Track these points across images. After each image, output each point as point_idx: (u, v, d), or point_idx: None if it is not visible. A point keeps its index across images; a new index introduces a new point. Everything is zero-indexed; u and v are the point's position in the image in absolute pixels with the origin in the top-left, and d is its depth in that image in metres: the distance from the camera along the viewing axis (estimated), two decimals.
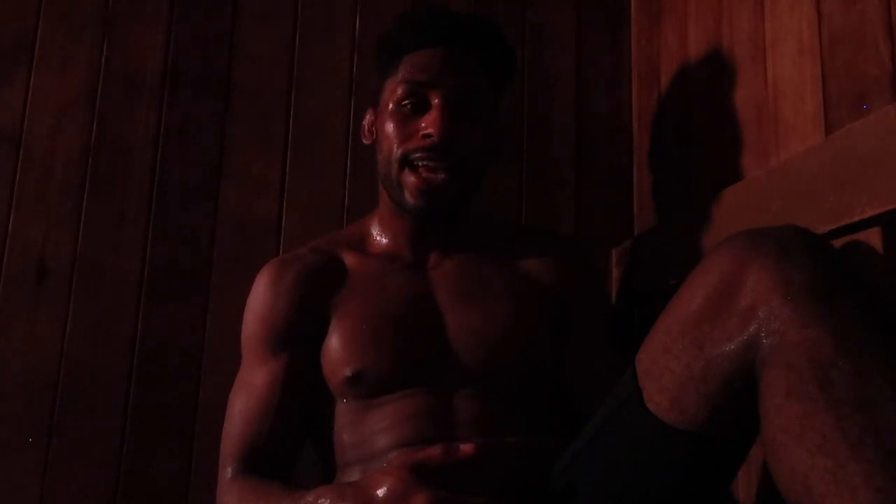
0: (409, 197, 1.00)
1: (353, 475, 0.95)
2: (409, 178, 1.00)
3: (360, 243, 1.09)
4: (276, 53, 1.38)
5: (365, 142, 1.12)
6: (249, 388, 0.99)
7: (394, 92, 1.02)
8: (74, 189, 1.28)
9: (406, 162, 1.00)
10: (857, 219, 0.80)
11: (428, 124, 0.99)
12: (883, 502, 0.59)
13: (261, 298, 1.04)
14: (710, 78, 1.21)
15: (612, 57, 1.49)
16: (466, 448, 0.76)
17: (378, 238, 1.08)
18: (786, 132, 1.02)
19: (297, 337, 1.01)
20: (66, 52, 1.32)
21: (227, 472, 0.96)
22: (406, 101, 1.01)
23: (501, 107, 1.11)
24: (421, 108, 1.01)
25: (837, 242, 0.84)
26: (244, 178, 1.33)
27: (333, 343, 0.99)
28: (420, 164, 0.99)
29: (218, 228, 1.31)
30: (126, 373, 1.24)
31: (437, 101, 0.99)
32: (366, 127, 1.12)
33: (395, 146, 1.01)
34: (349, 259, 1.06)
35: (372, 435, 0.95)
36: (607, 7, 1.50)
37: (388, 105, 1.03)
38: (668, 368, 0.75)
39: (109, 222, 1.28)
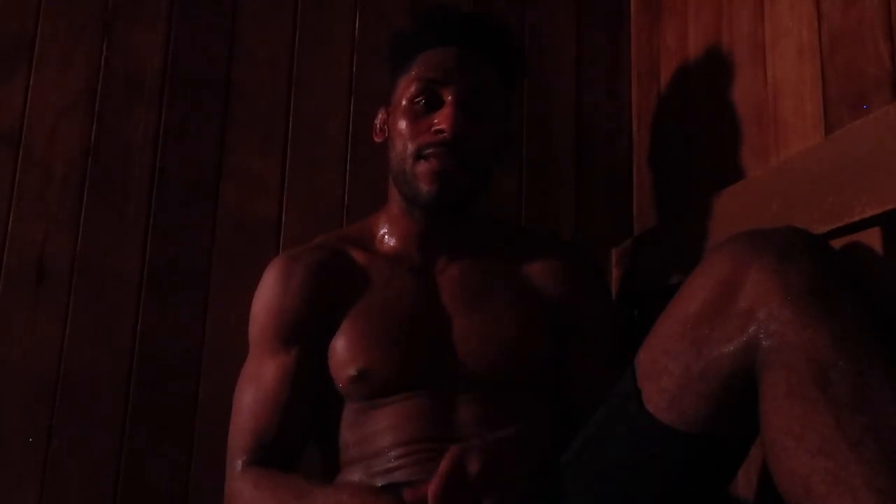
0: (423, 184, 1.00)
1: (355, 474, 0.96)
2: (423, 167, 1.00)
3: (368, 242, 1.09)
4: (276, 53, 1.38)
5: (376, 140, 1.12)
6: (258, 382, 1.00)
7: (407, 89, 1.03)
8: (74, 189, 1.28)
9: (420, 156, 1.01)
10: (856, 219, 0.80)
11: (440, 120, 0.99)
12: (884, 503, 0.59)
13: (271, 292, 1.04)
14: (710, 78, 1.21)
15: (611, 57, 1.49)
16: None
17: (385, 238, 1.09)
18: (786, 132, 1.02)
19: (305, 331, 1.01)
20: (66, 52, 1.32)
21: (236, 464, 0.97)
22: (419, 98, 1.02)
23: (511, 107, 1.12)
24: (434, 104, 1.02)
25: (837, 242, 0.84)
26: (244, 178, 1.33)
27: (340, 341, 0.99)
28: (433, 158, 1.00)
29: (218, 228, 1.31)
30: (126, 372, 1.24)
31: (450, 98, 1.01)
32: (378, 125, 1.12)
33: (409, 142, 1.01)
34: (357, 256, 1.06)
35: (374, 434, 0.96)
36: (607, 7, 1.50)
37: (401, 102, 1.04)
38: (668, 369, 0.75)
39: (109, 222, 1.28)
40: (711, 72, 1.21)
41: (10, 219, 1.25)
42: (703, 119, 1.23)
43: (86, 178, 1.29)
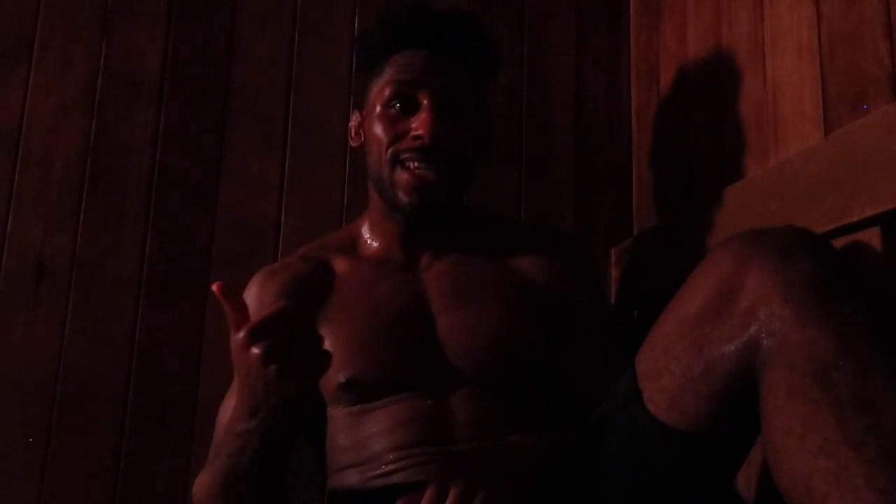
0: (402, 195, 0.99)
1: (350, 479, 0.95)
2: (402, 176, 0.99)
3: (351, 247, 1.08)
4: (276, 53, 1.38)
5: (353, 144, 1.12)
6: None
7: (381, 93, 1.02)
8: (73, 189, 1.28)
9: (397, 161, 1.00)
10: (856, 219, 0.80)
11: (418, 125, 0.98)
12: (885, 503, 0.59)
13: None
14: (710, 78, 1.22)
15: (611, 57, 1.48)
16: None
17: (369, 241, 1.08)
18: (785, 132, 1.02)
19: None
20: (65, 51, 1.31)
21: None
22: (394, 102, 1.01)
23: (488, 100, 1.11)
24: (409, 108, 1.00)
25: (837, 242, 0.84)
26: (243, 178, 1.33)
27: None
28: (411, 163, 0.99)
29: (217, 228, 1.31)
30: (125, 373, 1.24)
31: (425, 101, 0.99)
32: (353, 129, 1.11)
33: (385, 147, 1.00)
34: (339, 264, 1.06)
35: (369, 438, 0.95)
36: (607, 7, 1.50)
37: (375, 106, 1.03)
38: (668, 369, 0.75)
39: (109, 222, 1.28)
40: (711, 72, 1.21)
41: (9, 219, 1.25)
42: (703, 119, 1.23)
43: (85, 178, 1.29)
